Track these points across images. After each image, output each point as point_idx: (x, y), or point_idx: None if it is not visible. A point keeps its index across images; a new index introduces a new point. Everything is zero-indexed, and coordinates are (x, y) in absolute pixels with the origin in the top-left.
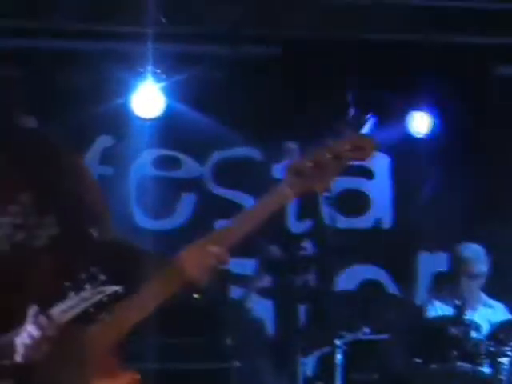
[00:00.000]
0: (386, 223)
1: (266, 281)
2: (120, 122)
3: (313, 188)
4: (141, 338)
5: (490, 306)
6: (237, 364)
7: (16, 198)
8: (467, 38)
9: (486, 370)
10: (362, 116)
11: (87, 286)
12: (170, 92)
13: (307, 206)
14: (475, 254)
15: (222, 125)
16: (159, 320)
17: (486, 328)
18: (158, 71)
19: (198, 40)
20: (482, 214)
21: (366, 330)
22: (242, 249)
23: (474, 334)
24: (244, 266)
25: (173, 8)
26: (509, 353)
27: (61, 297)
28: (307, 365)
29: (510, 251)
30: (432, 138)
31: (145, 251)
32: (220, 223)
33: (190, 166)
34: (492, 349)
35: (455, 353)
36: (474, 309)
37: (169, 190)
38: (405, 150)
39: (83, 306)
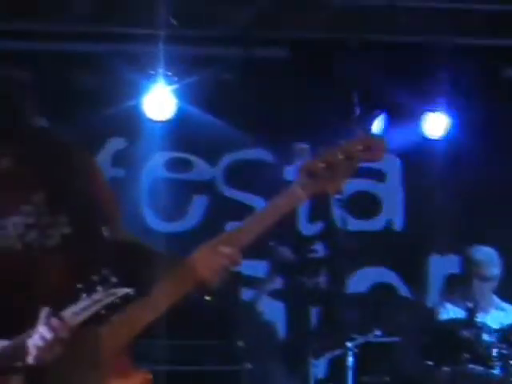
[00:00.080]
0: (398, 225)
1: (277, 283)
2: (132, 124)
3: (325, 189)
4: (152, 339)
5: (502, 309)
6: (248, 366)
7: (28, 198)
8: (478, 40)
9: (497, 372)
10: (371, 114)
11: (99, 288)
12: (181, 94)
13: (319, 208)
14: (487, 257)
15: (233, 127)
16: (171, 322)
17: (497, 331)
18: (170, 73)
19: (209, 42)
20: (495, 217)
21: (378, 332)
22: (254, 251)
23: (485, 337)
24: (255, 268)
25: (184, 10)
26: None
27: (73, 298)
28: (318, 367)
29: None
30: (445, 139)
31: (157, 251)
32: (231, 225)
33: (201, 168)
34: (504, 351)
35: (467, 355)
36: (485, 311)
37: (180, 192)
38: (417, 151)
39: (95, 308)
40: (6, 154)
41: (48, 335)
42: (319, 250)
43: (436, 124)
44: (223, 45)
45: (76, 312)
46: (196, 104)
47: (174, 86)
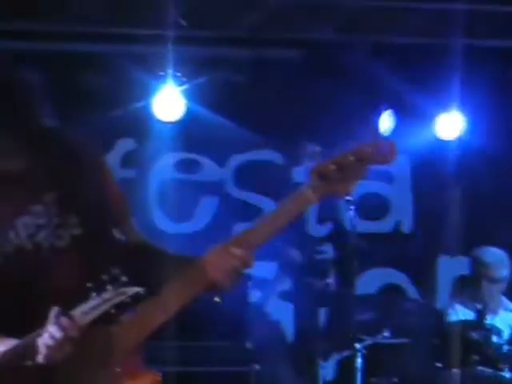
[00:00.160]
0: (407, 227)
1: (286, 284)
2: (141, 125)
3: (335, 192)
4: (162, 340)
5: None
6: (257, 367)
7: (39, 198)
8: (491, 40)
9: (507, 374)
10: (380, 112)
11: (109, 287)
12: (190, 95)
13: (327, 210)
14: (497, 258)
15: (242, 128)
16: (180, 323)
17: (507, 332)
18: (179, 74)
19: (218, 43)
20: (504, 218)
21: (386, 333)
22: (263, 252)
23: (495, 339)
24: (264, 269)
25: (194, 11)
26: None
27: (83, 298)
28: (327, 368)
29: None
30: (457, 140)
31: (168, 252)
32: (240, 226)
33: (210, 169)
34: None
35: (476, 357)
36: (495, 313)
37: (189, 193)
38: (428, 152)
39: (105, 307)
40: (17, 155)
41: (58, 334)
42: (328, 251)
43: (449, 125)
44: (233, 46)
45: (86, 311)
46: (205, 105)
47: (184, 87)
